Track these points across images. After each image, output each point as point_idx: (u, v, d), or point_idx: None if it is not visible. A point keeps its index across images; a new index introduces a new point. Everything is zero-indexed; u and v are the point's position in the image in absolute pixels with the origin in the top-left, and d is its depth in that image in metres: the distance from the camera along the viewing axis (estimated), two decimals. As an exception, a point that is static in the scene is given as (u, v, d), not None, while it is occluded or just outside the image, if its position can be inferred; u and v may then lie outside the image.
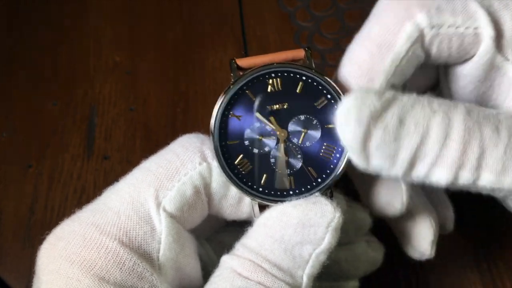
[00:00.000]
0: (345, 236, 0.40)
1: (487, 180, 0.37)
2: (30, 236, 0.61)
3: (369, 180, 0.46)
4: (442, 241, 0.51)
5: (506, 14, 0.40)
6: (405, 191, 0.44)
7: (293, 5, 0.78)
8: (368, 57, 0.41)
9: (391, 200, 0.45)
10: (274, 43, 0.75)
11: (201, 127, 0.67)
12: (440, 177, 0.38)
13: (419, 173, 0.38)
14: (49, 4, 0.79)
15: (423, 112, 0.38)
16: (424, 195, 0.49)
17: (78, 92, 0.71)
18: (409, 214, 0.47)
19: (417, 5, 0.40)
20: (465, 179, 0.37)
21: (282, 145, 0.41)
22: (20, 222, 0.62)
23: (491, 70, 0.42)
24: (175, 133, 0.66)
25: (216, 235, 0.50)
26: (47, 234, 0.39)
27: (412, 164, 0.38)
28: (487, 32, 0.40)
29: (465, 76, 0.44)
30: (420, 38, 0.40)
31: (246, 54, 0.73)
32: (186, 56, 0.74)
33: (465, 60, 0.43)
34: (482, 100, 0.44)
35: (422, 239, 0.47)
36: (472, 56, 0.42)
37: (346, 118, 0.37)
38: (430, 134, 0.37)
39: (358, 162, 0.38)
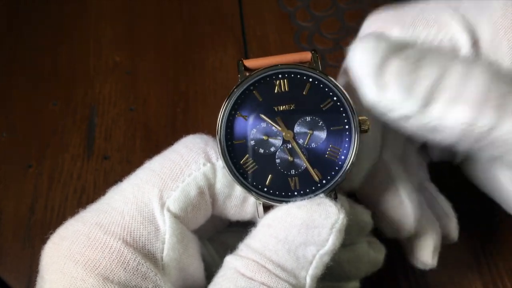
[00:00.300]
0: (348, 237, 0.40)
1: (507, 128, 0.36)
2: (30, 236, 0.60)
3: (380, 208, 0.47)
4: (441, 241, 0.52)
5: (482, 20, 0.40)
6: (413, 214, 0.46)
7: (293, 5, 0.78)
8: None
9: (401, 225, 0.46)
10: (274, 43, 0.75)
11: (201, 127, 0.67)
12: (459, 115, 0.36)
13: (436, 110, 0.37)
14: (49, 4, 0.79)
15: (446, 55, 0.38)
16: (428, 207, 0.50)
17: (78, 92, 0.71)
18: None
19: (392, 22, 0.41)
20: (486, 121, 0.36)
21: (287, 146, 0.41)
22: (20, 222, 0.61)
23: None
24: (175, 133, 0.66)
25: (218, 235, 0.50)
26: (51, 233, 0.39)
27: (429, 99, 0.37)
28: (463, 39, 0.40)
29: None
30: None
31: (246, 54, 0.73)
32: (186, 56, 0.74)
33: None
34: None
35: (424, 251, 0.49)
36: None
37: (363, 46, 0.38)
38: (453, 69, 0.37)
39: (372, 91, 0.38)
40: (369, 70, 0.37)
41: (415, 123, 0.38)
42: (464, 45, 0.40)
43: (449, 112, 0.37)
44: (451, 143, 0.39)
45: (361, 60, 0.38)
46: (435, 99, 0.37)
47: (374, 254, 0.49)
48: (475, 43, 0.40)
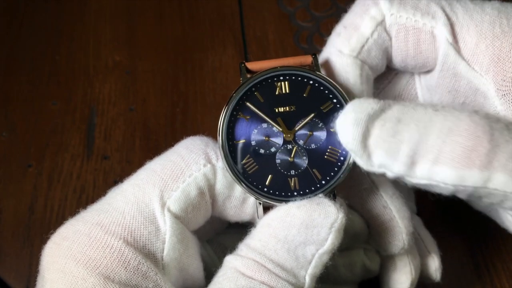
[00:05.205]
0: (344, 242, 0.40)
1: (500, 182, 0.35)
2: (30, 236, 0.60)
3: (372, 225, 0.47)
4: (440, 242, 0.52)
5: (470, 24, 0.40)
6: (404, 228, 0.45)
7: (293, 5, 0.78)
8: (336, 37, 0.45)
9: (394, 240, 0.46)
10: (274, 43, 0.75)
11: (200, 126, 0.67)
12: (445, 176, 0.36)
13: (423, 171, 0.37)
14: (49, 3, 0.79)
15: (424, 111, 0.37)
16: (413, 241, 0.49)
17: (78, 92, 0.71)
18: (391, 259, 0.48)
19: None
20: (473, 180, 0.35)
21: (288, 146, 0.42)
22: (19, 221, 0.61)
23: (458, 79, 0.42)
24: (174, 133, 0.66)
25: (216, 237, 0.50)
26: (52, 233, 0.39)
27: (414, 160, 0.37)
28: (443, 34, 0.41)
29: (436, 87, 0.45)
30: (383, 22, 0.43)
31: (245, 54, 0.74)
32: (186, 56, 0.74)
33: (430, 71, 0.45)
34: None
35: (400, 284, 0.48)
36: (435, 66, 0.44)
37: (344, 122, 0.38)
38: (432, 130, 0.36)
39: (361, 162, 0.39)
40: (354, 146, 0.38)
41: (409, 181, 0.39)
42: (442, 42, 0.41)
43: (434, 173, 0.36)
44: (450, 194, 0.38)
45: (345, 137, 0.38)
46: (419, 160, 0.37)
47: (369, 262, 0.49)
48: (456, 43, 0.41)
